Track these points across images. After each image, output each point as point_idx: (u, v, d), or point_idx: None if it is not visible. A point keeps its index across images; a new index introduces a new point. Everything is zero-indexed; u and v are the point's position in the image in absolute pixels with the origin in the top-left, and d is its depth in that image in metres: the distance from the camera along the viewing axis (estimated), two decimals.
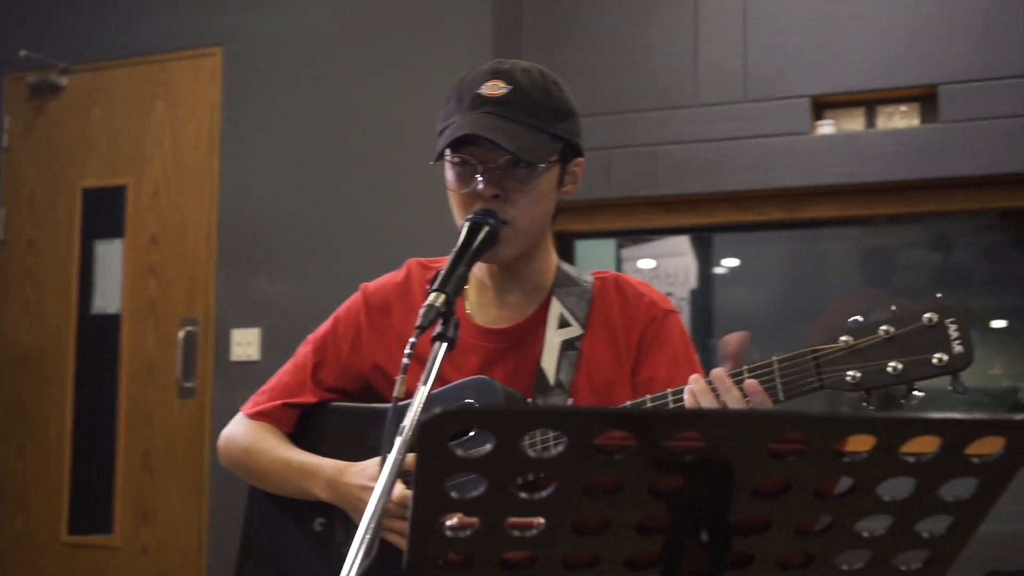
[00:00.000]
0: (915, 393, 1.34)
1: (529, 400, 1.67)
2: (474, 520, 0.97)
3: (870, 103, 3.93)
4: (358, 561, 1.18)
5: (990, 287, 4.55)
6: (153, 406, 4.74)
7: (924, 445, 0.94)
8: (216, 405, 4.62)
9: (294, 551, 1.76)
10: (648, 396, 1.51)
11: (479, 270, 1.78)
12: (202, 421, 4.64)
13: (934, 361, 1.32)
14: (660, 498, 0.97)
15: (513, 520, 0.97)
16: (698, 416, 0.90)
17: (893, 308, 1.36)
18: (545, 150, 1.63)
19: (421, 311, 1.39)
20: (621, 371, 1.70)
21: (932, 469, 0.96)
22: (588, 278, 1.79)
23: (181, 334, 4.70)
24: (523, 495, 0.94)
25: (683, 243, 4.72)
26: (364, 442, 1.71)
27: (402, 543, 1.58)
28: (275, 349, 4.54)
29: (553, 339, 1.71)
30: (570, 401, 1.67)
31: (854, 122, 3.95)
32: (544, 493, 0.94)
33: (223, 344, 4.65)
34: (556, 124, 1.66)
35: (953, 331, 1.32)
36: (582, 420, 0.89)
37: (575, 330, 1.72)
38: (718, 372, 1.42)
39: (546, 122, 1.64)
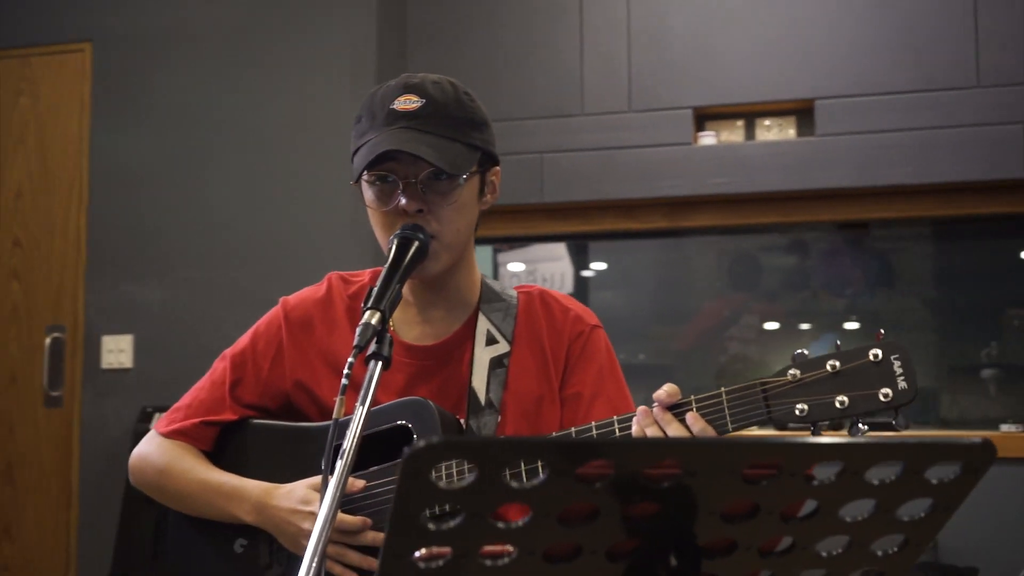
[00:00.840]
0: (860, 427, 1.37)
1: (462, 420, 1.66)
2: (446, 550, 0.96)
3: (749, 116, 4.04)
4: None
5: (841, 291, 4.76)
6: (16, 416, 4.53)
7: (887, 468, 0.96)
8: (85, 415, 4.45)
9: (212, 572, 1.70)
10: (594, 423, 1.51)
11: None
12: (70, 432, 4.46)
13: (880, 396, 1.36)
14: (632, 524, 0.97)
15: (487, 549, 0.96)
16: (677, 445, 0.91)
17: (838, 343, 1.40)
18: (465, 161, 1.62)
19: (358, 330, 1.37)
20: (549, 387, 1.70)
21: (892, 491, 0.98)
22: (512, 292, 1.78)
23: (47, 341, 4.51)
24: (500, 524, 0.93)
25: (559, 248, 4.78)
26: (289, 462, 1.66)
27: (334, 568, 1.55)
28: (149, 357, 4.40)
29: (482, 357, 1.69)
30: (499, 419, 1.66)
31: (734, 134, 4.05)
32: (520, 522, 0.93)
33: (93, 351, 4.48)
34: (472, 134, 1.65)
35: (897, 367, 1.36)
36: (565, 451, 0.89)
37: (502, 347, 1.71)
38: (659, 405, 1.43)
39: (463, 133, 1.63)
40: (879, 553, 1.05)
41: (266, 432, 1.74)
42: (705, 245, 4.81)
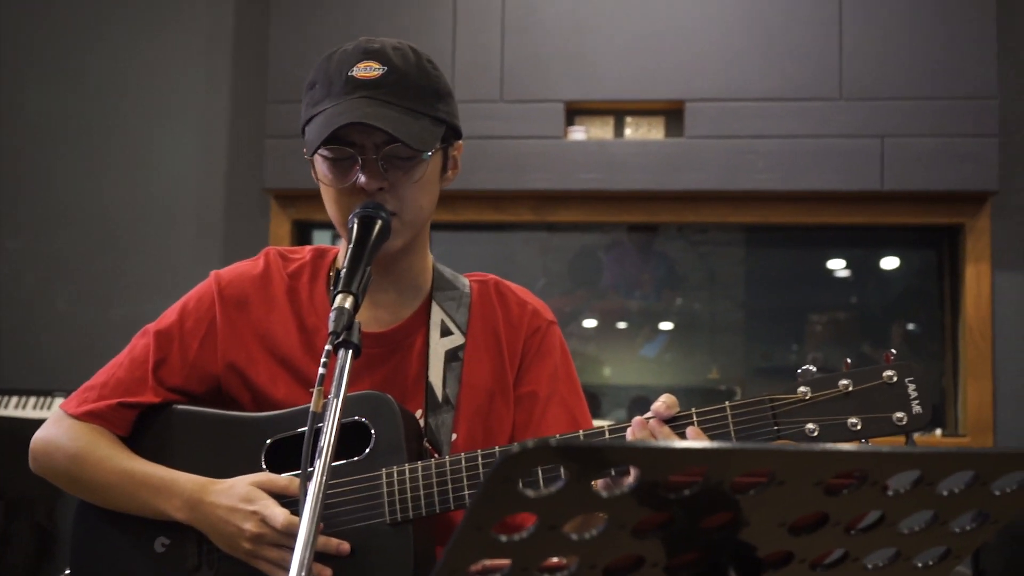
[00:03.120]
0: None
1: (419, 414, 1.55)
2: (504, 563, 0.87)
3: (620, 113, 4.03)
4: None
5: (673, 290, 4.89)
6: None
7: (959, 478, 0.93)
8: None
9: (127, 573, 1.52)
10: (581, 432, 1.43)
11: None
12: None
13: (894, 420, 1.33)
14: (699, 535, 0.91)
15: (548, 562, 0.88)
16: (777, 452, 0.84)
17: (848, 361, 1.36)
18: (431, 136, 1.52)
19: (332, 316, 1.26)
20: (503, 383, 1.62)
21: (955, 501, 0.95)
22: (464, 280, 1.69)
23: None
24: (573, 536, 0.85)
25: None
26: (222, 454, 1.51)
27: (278, 574, 1.41)
28: None
29: (437, 349, 1.59)
30: (454, 416, 1.57)
31: (604, 130, 4.04)
32: (594, 531, 0.85)
33: None
34: (437, 106, 1.55)
35: (912, 390, 1.33)
36: (664, 456, 0.81)
37: (457, 339, 1.61)
38: (657, 418, 1.37)
39: (427, 105, 1.53)
40: (919, 565, 1.02)
41: (193, 419, 1.58)
42: (544, 240, 4.83)
